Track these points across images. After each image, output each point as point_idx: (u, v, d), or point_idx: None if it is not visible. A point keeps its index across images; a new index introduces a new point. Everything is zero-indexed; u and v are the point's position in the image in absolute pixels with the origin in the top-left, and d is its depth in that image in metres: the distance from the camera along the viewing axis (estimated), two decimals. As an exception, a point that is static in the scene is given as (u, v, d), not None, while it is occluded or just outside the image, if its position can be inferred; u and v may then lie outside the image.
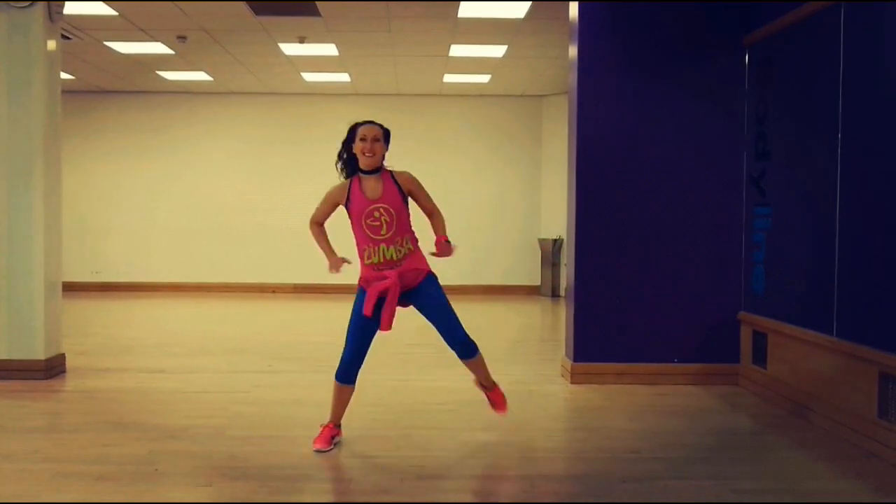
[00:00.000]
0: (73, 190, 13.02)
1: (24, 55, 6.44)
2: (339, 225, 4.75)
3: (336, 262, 4.57)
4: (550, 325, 10.67)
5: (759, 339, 6.13)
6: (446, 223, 4.62)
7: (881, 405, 4.57)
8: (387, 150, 4.53)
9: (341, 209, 4.57)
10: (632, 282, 6.44)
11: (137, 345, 8.27)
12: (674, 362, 6.44)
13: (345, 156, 4.52)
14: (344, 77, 12.45)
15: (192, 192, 14.11)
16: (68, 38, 9.61)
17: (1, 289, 6.45)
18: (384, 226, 4.37)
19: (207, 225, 14.09)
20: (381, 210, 4.37)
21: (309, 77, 12.49)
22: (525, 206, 14.13)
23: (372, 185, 4.43)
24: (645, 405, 5.77)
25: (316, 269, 13.94)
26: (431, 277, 4.55)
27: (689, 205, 6.47)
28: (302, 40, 9.89)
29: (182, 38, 9.79)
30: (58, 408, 5.80)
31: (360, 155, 4.41)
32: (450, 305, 4.55)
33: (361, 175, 4.47)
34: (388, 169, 4.52)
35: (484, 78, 12.36)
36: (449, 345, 4.57)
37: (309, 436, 4.96)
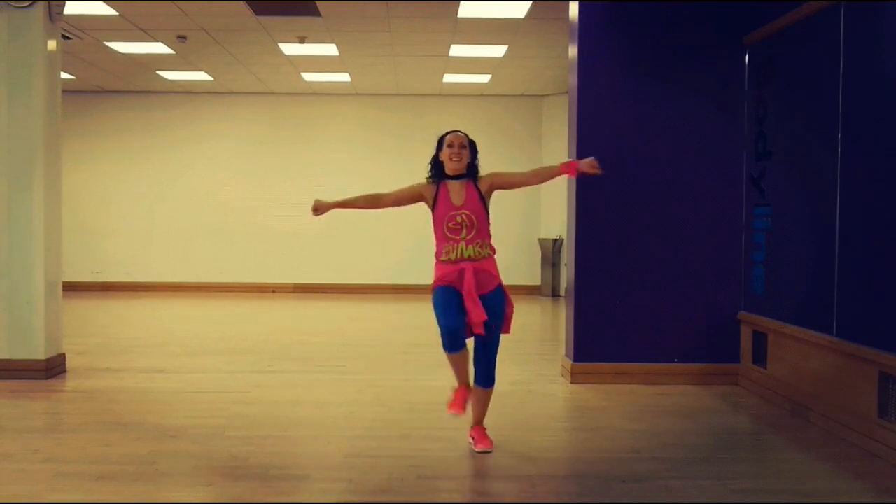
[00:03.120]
0: (73, 190, 13.02)
1: (24, 55, 6.44)
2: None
3: (322, 208, 4.62)
4: (550, 325, 10.66)
5: (759, 339, 6.12)
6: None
7: (881, 405, 4.57)
8: (475, 160, 4.60)
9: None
10: (632, 282, 6.44)
11: (137, 345, 8.27)
12: (674, 362, 6.44)
13: (432, 164, 4.63)
14: (344, 77, 12.45)
15: (191, 192, 14.11)
16: (68, 38, 9.61)
17: (1, 288, 6.45)
18: (464, 229, 4.49)
19: (207, 225, 14.09)
20: (464, 216, 4.50)
21: (309, 77, 12.48)
22: (525, 206, 14.12)
23: (456, 190, 4.55)
24: (645, 405, 5.77)
25: (316, 269, 14.12)
26: (501, 289, 4.61)
27: (689, 205, 6.47)
28: (302, 40, 9.89)
29: (182, 38, 9.80)
30: (58, 408, 5.80)
31: (448, 161, 4.54)
32: (500, 330, 4.58)
33: (447, 180, 4.58)
34: (472, 177, 4.60)
35: (484, 78, 12.35)
36: (475, 361, 4.57)
37: (309, 436, 4.97)
